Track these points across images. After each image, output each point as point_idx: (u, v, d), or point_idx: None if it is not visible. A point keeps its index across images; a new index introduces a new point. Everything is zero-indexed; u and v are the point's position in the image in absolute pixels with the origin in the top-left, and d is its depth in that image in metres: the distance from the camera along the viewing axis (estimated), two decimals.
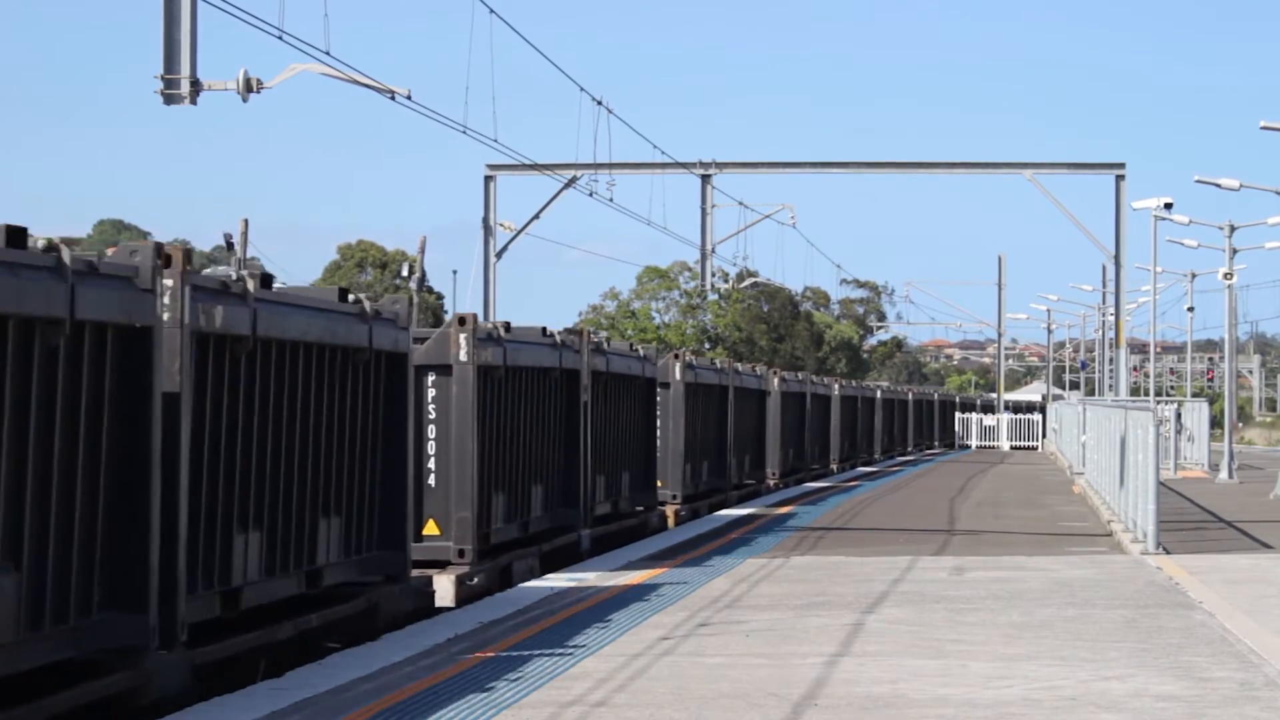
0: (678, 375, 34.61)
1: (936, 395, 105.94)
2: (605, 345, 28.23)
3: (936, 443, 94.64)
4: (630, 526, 29.84)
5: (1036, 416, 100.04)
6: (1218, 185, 50.13)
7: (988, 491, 45.53)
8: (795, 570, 23.60)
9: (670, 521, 33.11)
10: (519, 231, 62.51)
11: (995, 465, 65.52)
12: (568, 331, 26.02)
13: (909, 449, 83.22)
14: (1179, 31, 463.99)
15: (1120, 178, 60.24)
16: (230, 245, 56.64)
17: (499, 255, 62.47)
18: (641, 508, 30.98)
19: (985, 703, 13.35)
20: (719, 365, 40.49)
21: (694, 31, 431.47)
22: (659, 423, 32.78)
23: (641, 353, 31.04)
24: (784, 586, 21.44)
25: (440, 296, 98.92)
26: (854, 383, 73.86)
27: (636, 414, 30.63)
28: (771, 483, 46.65)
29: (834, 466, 58.89)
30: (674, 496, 34.02)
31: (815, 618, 18.34)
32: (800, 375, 55.48)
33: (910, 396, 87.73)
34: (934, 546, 27.88)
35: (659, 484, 32.40)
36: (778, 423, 47.42)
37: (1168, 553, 26.12)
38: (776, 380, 47.58)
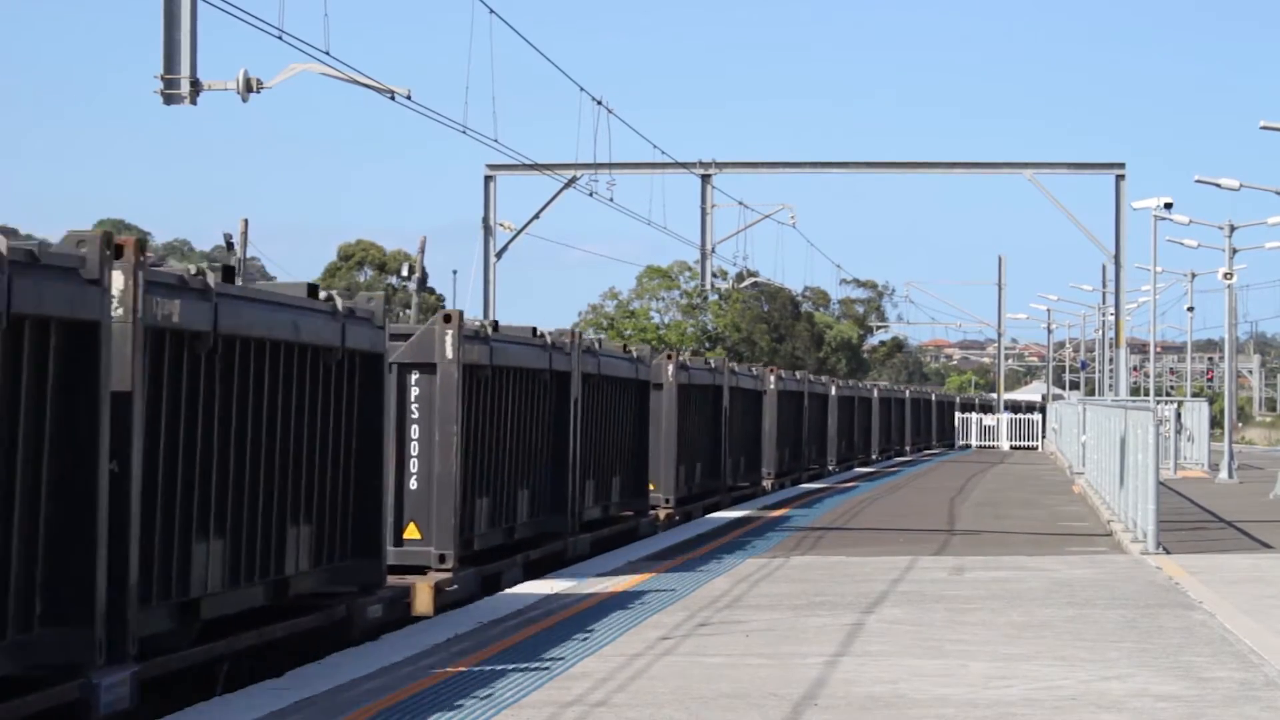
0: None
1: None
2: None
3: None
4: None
5: (1036, 416, 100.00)
6: (1218, 185, 50.13)
7: (988, 491, 45.51)
8: (795, 570, 23.59)
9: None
10: (519, 231, 62.55)
11: (995, 465, 65.50)
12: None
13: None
14: (1179, 31, 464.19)
15: (1120, 178, 60.28)
16: (230, 245, 56.70)
17: (499, 255, 62.50)
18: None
19: (985, 702, 13.35)
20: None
21: (694, 32, 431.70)
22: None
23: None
24: (784, 586, 21.43)
25: (441, 297, 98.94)
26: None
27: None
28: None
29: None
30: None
31: (815, 618, 18.33)
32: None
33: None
34: (934, 546, 27.87)
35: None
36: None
37: (1168, 553, 26.11)
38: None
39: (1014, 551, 26.74)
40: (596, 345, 27.41)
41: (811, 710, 13.03)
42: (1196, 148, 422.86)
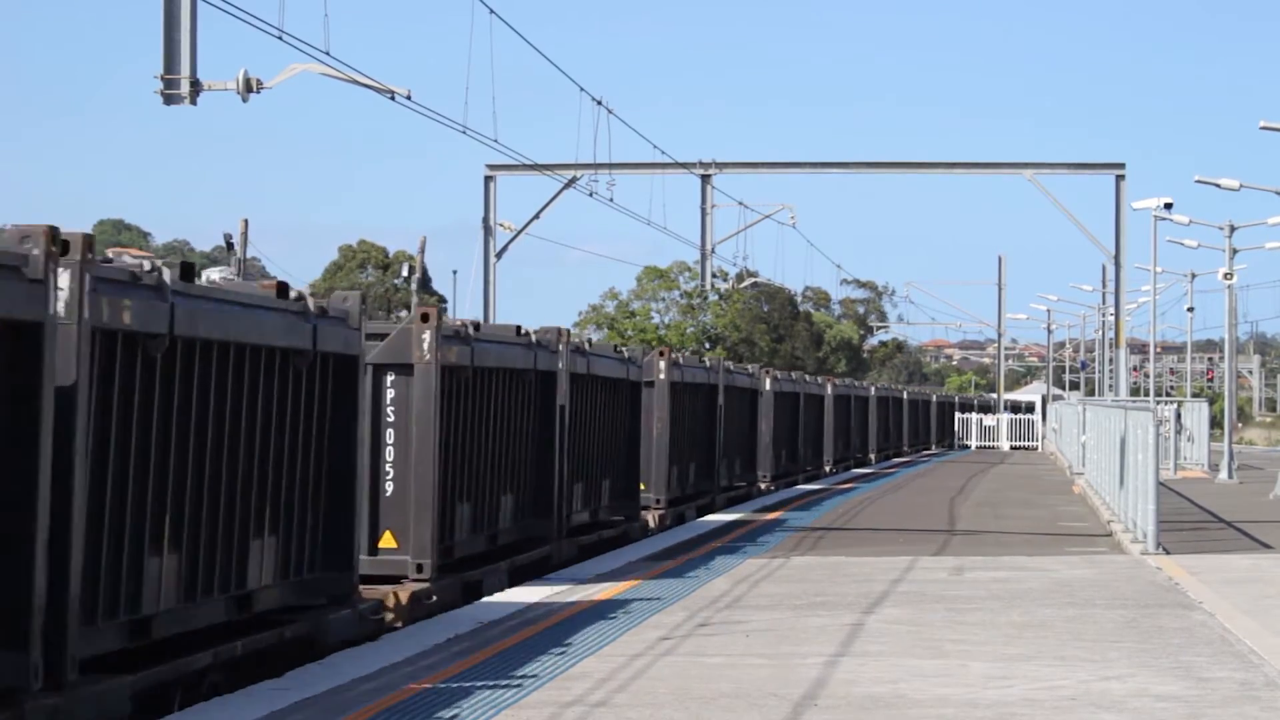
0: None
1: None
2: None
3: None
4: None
5: (1036, 416, 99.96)
6: (1218, 185, 50.12)
7: (987, 491, 45.51)
8: (795, 570, 23.59)
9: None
10: (519, 231, 62.53)
11: (995, 465, 65.48)
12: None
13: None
14: (1179, 31, 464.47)
15: (1120, 178, 60.27)
16: (230, 245, 56.70)
17: (499, 255, 62.47)
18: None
19: (985, 703, 13.35)
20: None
21: (694, 31, 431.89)
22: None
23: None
24: (784, 586, 21.43)
25: (442, 298, 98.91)
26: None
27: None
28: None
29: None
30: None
31: (815, 618, 18.33)
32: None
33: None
34: (934, 546, 27.87)
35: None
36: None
37: (1168, 553, 26.11)
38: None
39: (1014, 552, 26.74)
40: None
41: (811, 710, 13.03)
42: (1196, 148, 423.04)
